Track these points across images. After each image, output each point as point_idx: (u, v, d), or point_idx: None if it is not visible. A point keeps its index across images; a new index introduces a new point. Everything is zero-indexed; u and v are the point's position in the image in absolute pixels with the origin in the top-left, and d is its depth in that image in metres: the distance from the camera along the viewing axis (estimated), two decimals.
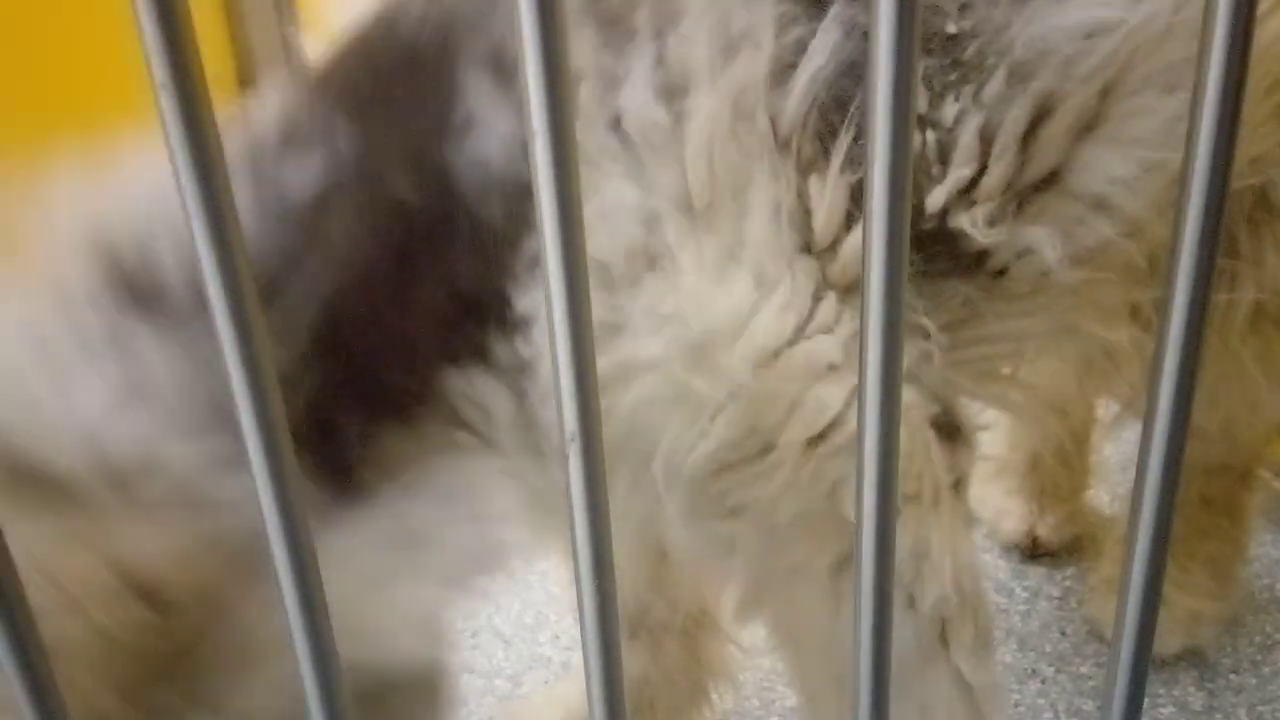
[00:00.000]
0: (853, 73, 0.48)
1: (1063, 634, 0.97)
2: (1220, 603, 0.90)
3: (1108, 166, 0.53)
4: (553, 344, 0.30)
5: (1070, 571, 1.05)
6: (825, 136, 0.49)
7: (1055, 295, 0.58)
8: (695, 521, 0.54)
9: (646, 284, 0.46)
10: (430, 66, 0.48)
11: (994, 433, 1.06)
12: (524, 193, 0.45)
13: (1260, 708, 0.88)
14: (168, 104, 0.25)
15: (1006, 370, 0.64)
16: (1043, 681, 0.92)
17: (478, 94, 0.46)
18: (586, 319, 0.30)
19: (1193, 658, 0.92)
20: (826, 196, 0.48)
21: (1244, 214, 0.66)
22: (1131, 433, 1.13)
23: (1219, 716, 0.87)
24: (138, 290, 0.44)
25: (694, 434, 0.48)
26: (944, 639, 0.55)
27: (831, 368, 0.49)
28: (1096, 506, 1.10)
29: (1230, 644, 0.94)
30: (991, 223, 0.53)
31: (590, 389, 0.30)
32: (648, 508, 0.52)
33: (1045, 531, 1.04)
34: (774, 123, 0.48)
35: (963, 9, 0.52)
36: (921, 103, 0.50)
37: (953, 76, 0.51)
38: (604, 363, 0.47)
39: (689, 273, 0.46)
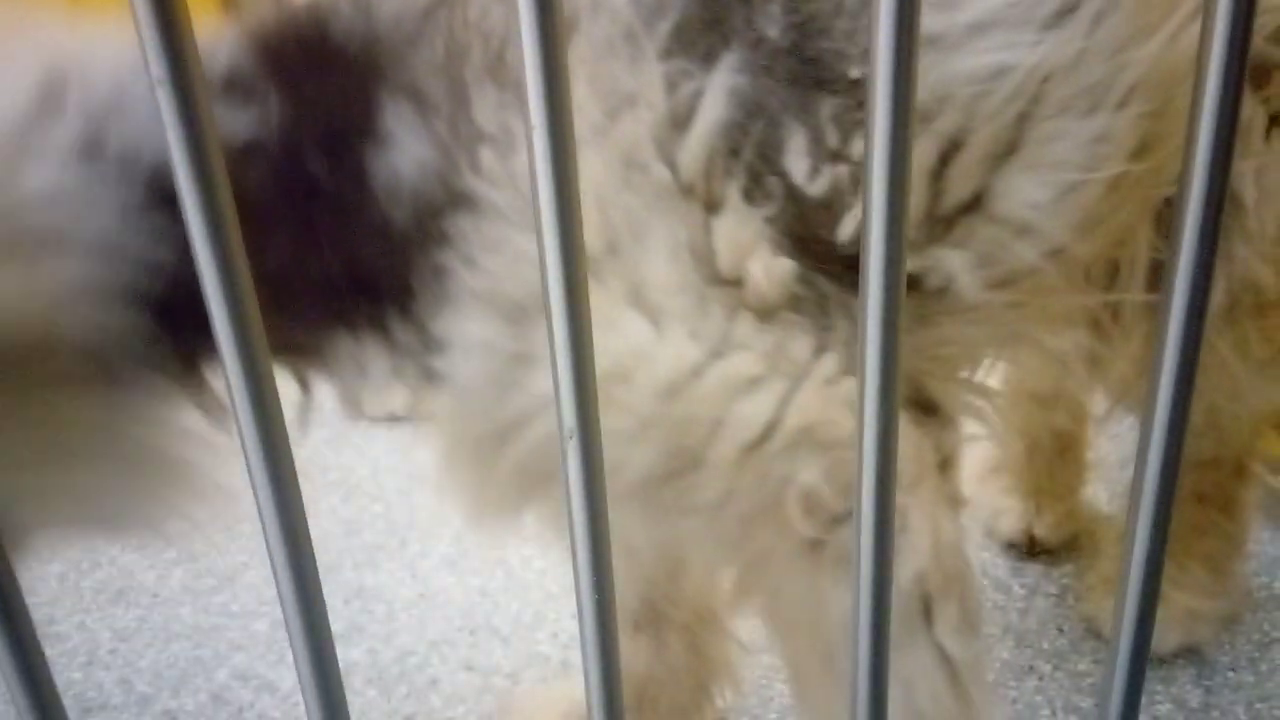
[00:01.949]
0: (752, 114, 0.50)
1: (1060, 631, 0.97)
2: (1219, 600, 0.90)
3: (1027, 192, 0.55)
4: (552, 344, 0.30)
5: (1068, 568, 1.05)
6: (728, 177, 0.50)
7: (999, 307, 0.58)
8: (653, 524, 0.55)
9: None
10: (357, 78, 0.50)
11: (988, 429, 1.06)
12: (435, 212, 0.49)
13: (1258, 705, 0.88)
14: (165, 100, 0.25)
15: (964, 374, 0.65)
16: (1040, 679, 0.92)
17: (397, 117, 0.49)
18: (585, 319, 0.30)
19: (1190, 655, 0.92)
20: (731, 235, 0.50)
21: None
22: (1129, 429, 1.13)
23: (1216, 714, 0.87)
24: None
25: (615, 461, 0.48)
26: (927, 616, 0.55)
27: (753, 381, 0.50)
28: (1094, 504, 1.10)
29: (1228, 641, 0.94)
30: (911, 249, 0.54)
31: (588, 388, 0.30)
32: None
33: (1043, 530, 1.04)
34: (674, 171, 0.49)
35: (866, 54, 0.52)
36: (833, 139, 0.52)
37: (859, 115, 0.53)
38: (523, 396, 0.50)
39: (594, 313, 0.49)
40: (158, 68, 0.25)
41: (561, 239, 0.29)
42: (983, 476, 1.07)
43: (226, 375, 0.29)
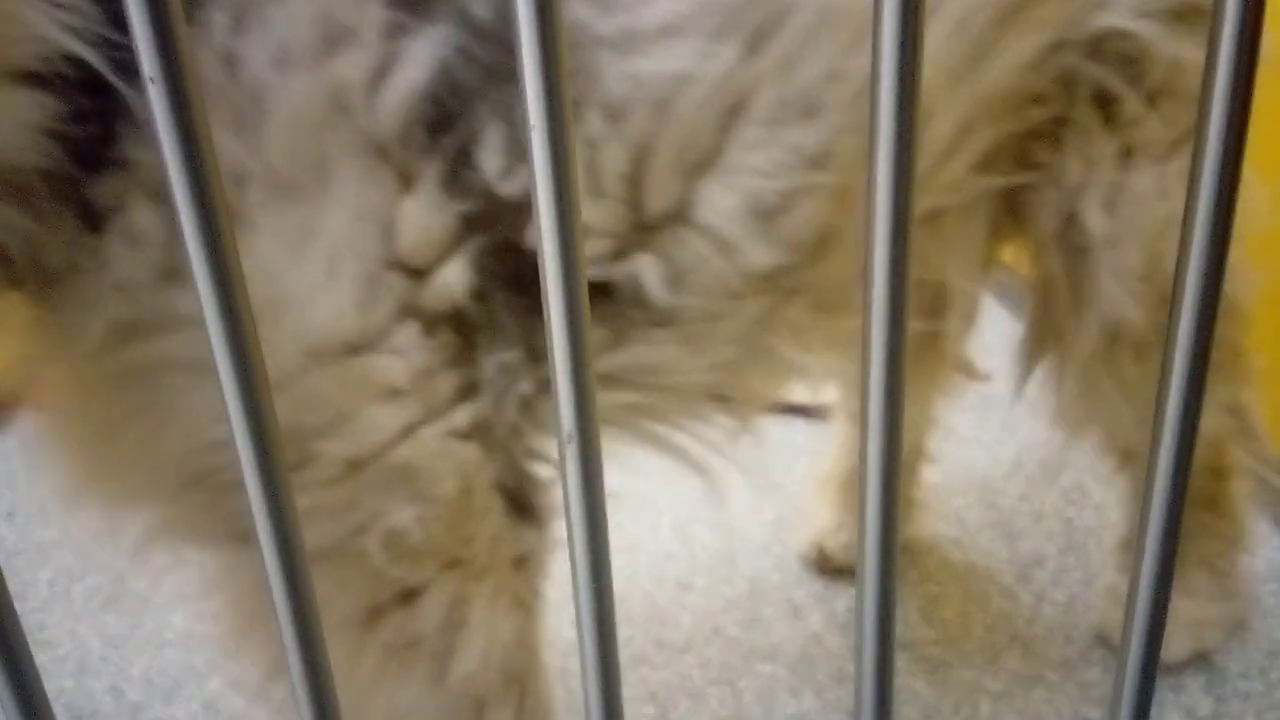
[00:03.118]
0: (456, 94, 0.47)
1: (1068, 640, 0.96)
2: (1224, 604, 0.89)
3: (728, 202, 0.53)
4: (550, 345, 0.29)
5: (1077, 576, 1.04)
6: (427, 156, 0.47)
7: (736, 321, 0.57)
8: (207, 539, 0.50)
9: None
10: None
11: (828, 441, 1.06)
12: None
13: (1268, 714, 0.87)
14: (157, 97, 0.24)
15: (669, 424, 0.62)
16: (1048, 688, 0.91)
17: None
18: (584, 320, 0.29)
19: (1200, 664, 0.91)
20: (421, 219, 0.46)
21: (1062, 248, 0.66)
22: (952, 463, 1.10)
23: None
24: None
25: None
26: (481, 716, 0.52)
27: (394, 392, 0.47)
28: (915, 534, 1.07)
29: (1238, 650, 0.93)
30: (614, 257, 0.52)
31: (588, 390, 0.30)
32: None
33: (834, 546, 1.01)
34: (376, 126, 0.46)
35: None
36: (520, 135, 0.50)
37: None
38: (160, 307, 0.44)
39: (265, 235, 0.45)
40: (150, 64, 0.24)
41: (561, 242, 0.28)
42: (815, 487, 1.06)
43: (221, 381, 0.29)
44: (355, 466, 0.47)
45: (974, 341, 1.48)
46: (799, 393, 1.34)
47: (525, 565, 0.55)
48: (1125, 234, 0.63)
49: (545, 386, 0.54)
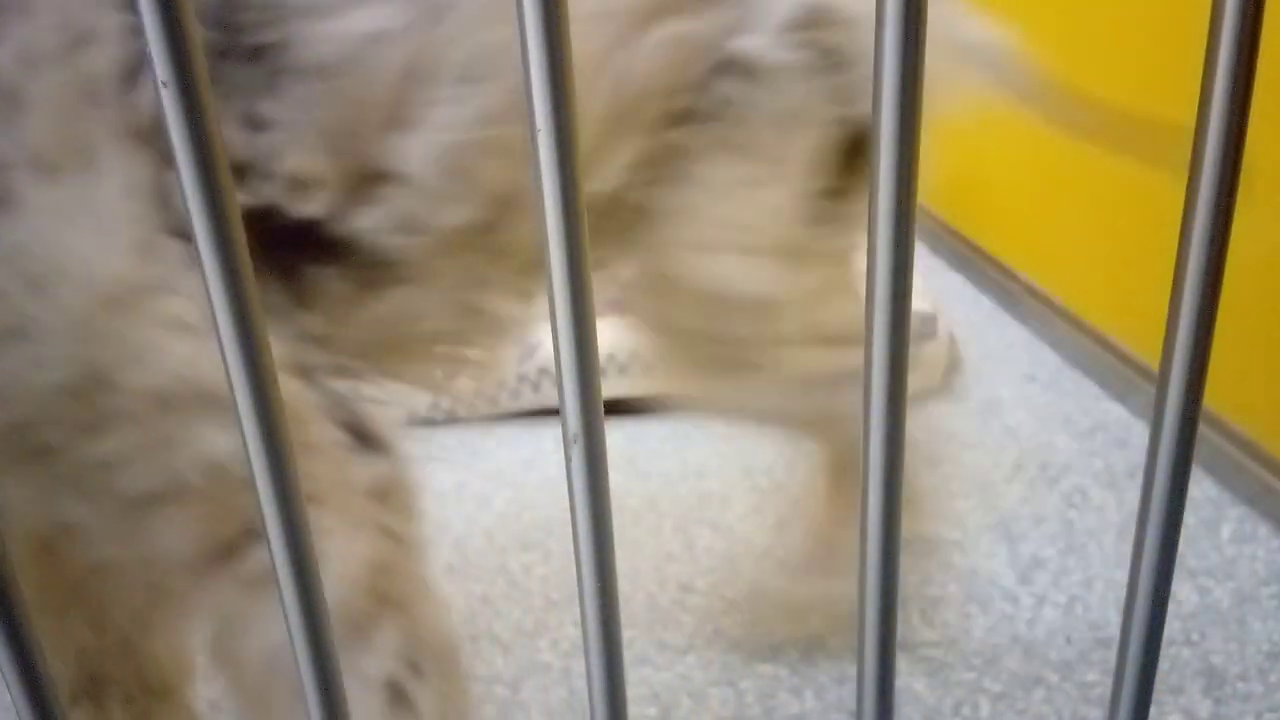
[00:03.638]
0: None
1: (1068, 641, 0.96)
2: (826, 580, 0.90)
3: (420, 154, 0.59)
4: (556, 345, 0.29)
5: (1077, 578, 1.04)
6: None
7: (440, 275, 0.62)
8: (44, 496, 0.53)
9: None
10: None
11: None
12: None
13: (1268, 715, 0.87)
14: (170, 101, 0.25)
15: (440, 349, 0.68)
16: (1048, 689, 0.91)
17: None
18: (590, 320, 0.30)
19: (1200, 665, 0.92)
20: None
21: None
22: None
23: None
24: None
25: (32, 364, 0.49)
26: (361, 638, 0.55)
27: (185, 326, 0.51)
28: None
29: (1238, 652, 0.93)
30: (333, 212, 0.59)
31: (593, 391, 0.30)
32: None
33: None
34: (131, 113, 0.53)
35: (270, 24, 0.57)
36: (244, 105, 0.56)
37: (271, 83, 0.57)
38: None
39: (39, 212, 0.50)
40: (162, 69, 0.25)
41: (567, 244, 0.28)
42: None
43: (230, 380, 0.29)
44: (162, 401, 0.51)
45: (974, 342, 1.49)
46: None
47: (386, 498, 0.58)
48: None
49: (320, 330, 0.61)
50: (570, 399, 0.30)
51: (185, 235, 0.52)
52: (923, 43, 0.27)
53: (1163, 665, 0.92)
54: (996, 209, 1.62)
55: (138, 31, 0.54)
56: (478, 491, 1.22)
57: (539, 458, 1.27)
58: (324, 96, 0.58)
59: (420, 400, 0.69)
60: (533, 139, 0.27)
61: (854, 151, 0.73)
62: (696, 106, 0.69)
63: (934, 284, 1.66)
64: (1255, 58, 0.29)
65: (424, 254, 0.61)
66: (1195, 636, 0.95)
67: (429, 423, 1.36)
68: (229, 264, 0.27)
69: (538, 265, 0.65)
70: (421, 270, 0.62)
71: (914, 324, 1.41)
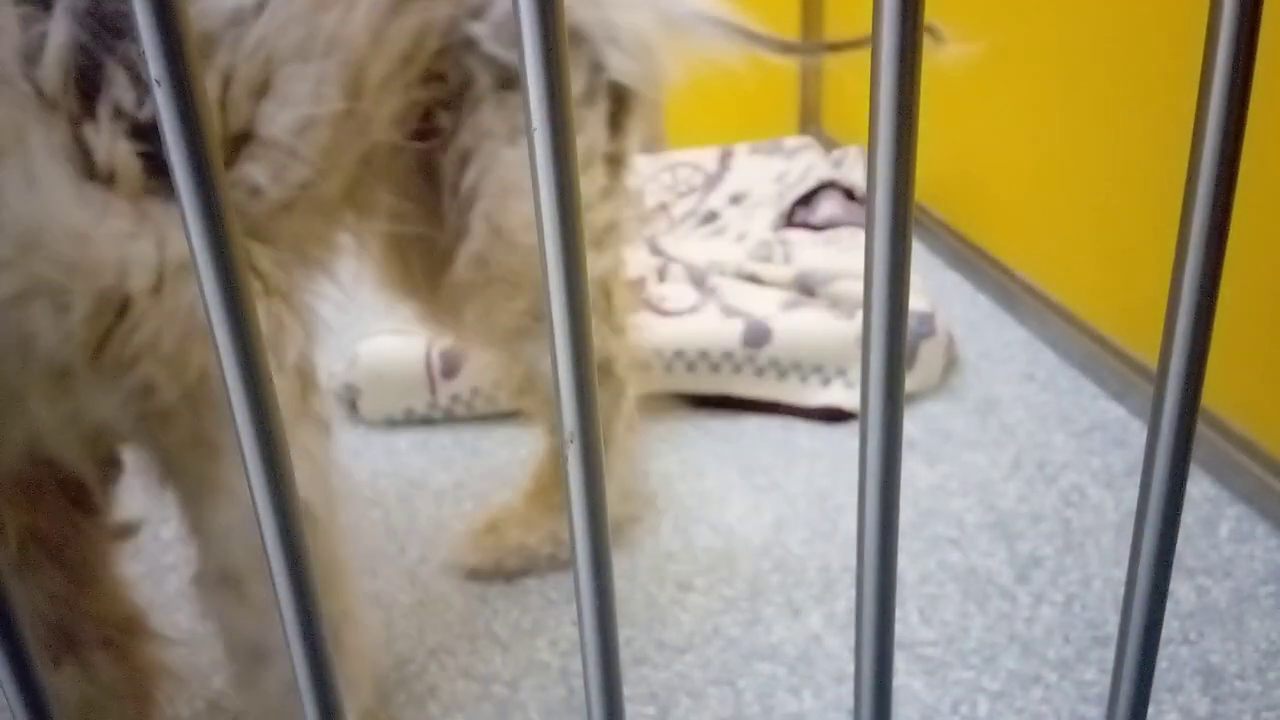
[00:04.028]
0: (89, 52, 0.65)
1: (1066, 640, 0.96)
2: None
3: (280, 120, 0.72)
4: (553, 345, 0.29)
5: (1075, 576, 1.04)
6: (91, 98, 0.65)
7: (291, 218, 0.76)
8: (122, 406, 0.66)
9: None
10: None
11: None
12: None
13: (1265, 714, 0.87)
14: (164, 99, 0.25)
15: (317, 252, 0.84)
16: (1046, 688, 0.91)
17: None
18: (586, 320, 0.30)
19: (1198, 664, 0.92)
20: (104, 140, 0.64)
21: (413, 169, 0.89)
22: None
23: None
24: None
25: (61, 319, 0.61)
26: (303, 400, 0.72)
27: (132, 236, 0.64)
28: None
29: (1236, 650, 0.94)
30: (230, 165, 0.73)
31: (590, 390, 0.30)
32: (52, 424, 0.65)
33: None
34: (38, 89, 0.62)
35: None
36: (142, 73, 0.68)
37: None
38: None
39: (6, 190, 0.60)
40: (156, 67, 0.25)
41: (563, 242, 0.28)
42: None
43: (226, 383, 0.29)
44: (159, 290, 0.64)
45: (973, 342, 1.49)
46: (799, 394, 1.35)
47: (291, 299, 0.75)
48: (489, 191, 0.87)
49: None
50: (566, 399, 0.30)
51: (102, 176, 0.64)
52: (920, 44, 0.27)
53: (1161, 664, 0.92)
54: (995, 208, 1.62)
55: (33, 19, 0.63)
56: (477, 491, 1.22)
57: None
58: (207, 67, 0.66)
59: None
60: (530, 137, 0.27)
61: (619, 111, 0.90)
62: (444, 72, 0.84)
63: (932, 282, 1.66)
64: (1254, 58, 0.29)
65: (291, 202, 0.74)
66: (1193, 635, 0.95)
67: (428, 422, 1.36)
68: (223, 261, 0.27)
69: (333, 219, 0.84)
70: (291, 215, 0.75)
71: (911, 322, 1.41)
